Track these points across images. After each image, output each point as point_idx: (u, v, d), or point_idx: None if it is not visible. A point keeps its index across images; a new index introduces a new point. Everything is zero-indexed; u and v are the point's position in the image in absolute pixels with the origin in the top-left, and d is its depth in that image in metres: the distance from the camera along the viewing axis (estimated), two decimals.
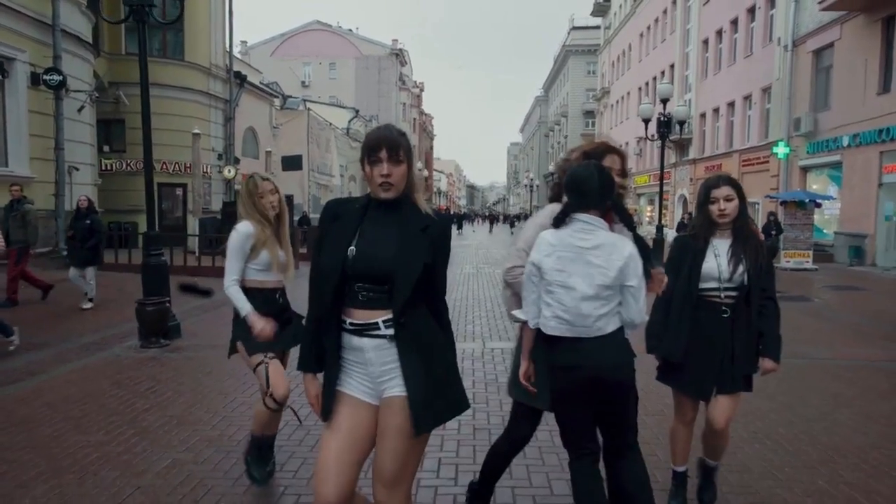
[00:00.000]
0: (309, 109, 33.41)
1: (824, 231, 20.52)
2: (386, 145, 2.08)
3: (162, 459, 3.83)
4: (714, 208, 2.99)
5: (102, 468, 3.69)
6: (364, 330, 2.11)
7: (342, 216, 2.17)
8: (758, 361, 2.99)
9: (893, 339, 7.13)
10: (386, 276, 2.06)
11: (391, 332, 2.09)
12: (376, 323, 2.09)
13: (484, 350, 6.94)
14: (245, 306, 3.32)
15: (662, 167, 17.11)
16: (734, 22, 27.01)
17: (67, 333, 7.71)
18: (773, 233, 16.56)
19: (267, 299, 3.42)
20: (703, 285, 2.98)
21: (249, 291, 3.38)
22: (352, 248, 2.09)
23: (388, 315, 2.09)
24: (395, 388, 2.11)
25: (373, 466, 2.16)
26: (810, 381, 5.71)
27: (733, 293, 2.96)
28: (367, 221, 2.14)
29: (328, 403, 2.16)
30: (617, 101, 46.80)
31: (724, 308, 2.96)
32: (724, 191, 2.97)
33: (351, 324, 2.13)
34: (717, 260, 2.98)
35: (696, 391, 3.03)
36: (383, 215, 2.14)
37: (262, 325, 3.26)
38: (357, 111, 47.24)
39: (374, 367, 2.13)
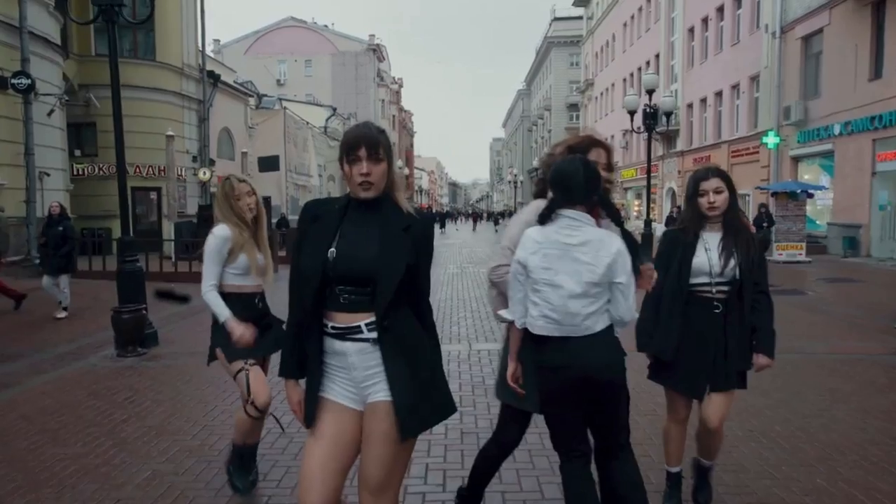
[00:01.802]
0: (285, 108, 33.18)
1: (817, 222, 20.38)
2: (365, 143, 2.04)
3: (142, 471, 3.77)
4: (703, 201, 2.94)
5: (81, 481, 3.64)
6: (346, 334, 2.07)
7: (321, 217, 2.13)
8: (752, 357, 2.95)
9: (890, 332, 7.13)
10: (368, 277, 2.02)
11: (374, 335, 2.05)
12: (359, 326, 2.05)
13: (470, 352, 6.88)
14: (224, 312, 3.28)
15: (649, 160, 17.13)
16: (720, 9, 26.91)
17: (42, 344, 7.59)
18: (765, 225, 16.44)
19: (246, 304, 3.37)
20: (693, 280, 2.94)
21: (228, 297, 3.33)
22: (332, 249, 2.05)
23: (371, 318, 2.05)
24: (380, 392, 2.07)
25: (358, 473, 2.12)
26: (806, 377, 5.69)
27: (725, 288, 2.92)
28: (347, 222, 2.11)
29: (311, 410, 2.12)
30: (601, 94, 46.72)
31: (715, 303, 2.93)
32: (714, 183, 2.93)
33: (333, 328, 2.08)
34: (708, 254, 2.93)
35: (688, 389, 2.99)
36: (364, 215, 2.10)
37: (241, 331, 3.22)
38: (335, 109, 47.00)
39: (357, 372, 2.08)
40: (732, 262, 2.90)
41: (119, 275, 7.49)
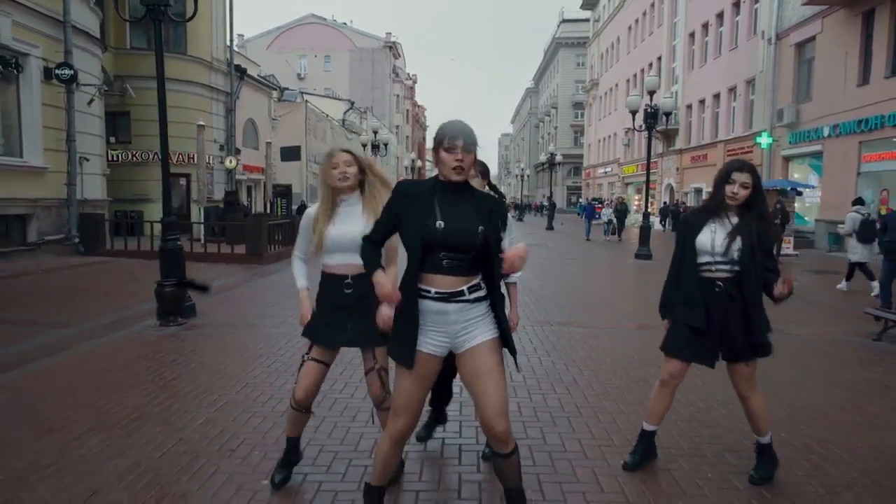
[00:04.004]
0: (307, 102, 33.88)
1: (805, 218, 21.26)
2: (463, 136, 2.43)
3: (197, 418, 4.26)
4: (729, 189, 3.14)
5: (145, 424, 4.13)
6: (450, 297, 2.46)
7: (417, 195, 2.50)
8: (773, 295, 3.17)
9: (862, 318, 7.68)
10: (471, 246, 2.42)
11: (475, 295, 2.49)
12: (462, 291, 2.46)
13: None
14: (298, 283, 3.31)
15: (649, 157, 17.69)
16: (720, 15, 27.69)
17: (87, 315, 8.02)
18: (779, 221, 16.71)
19: (331, 285, 3.12)
20: (699, 259, 3.20)
21: (323, 276, 3.20)
22: (440, 221, 2.40)
23: (470, 282, 2.48)
24: (481, 335, 2.50)
25: (482, 406, 2.51)
26: (785, 354, 6.22)
27: (725, 268, 3.15)
28: (440, 200, 2.46)
29: (411, 356, 2.49)
30: (606, 93, 47.47)
31: (717, 282, 3.16)
32: (744, 177, 3.13)
33: (437, 293, 2.46)
34: (713, 235, 3.16)
35: (693, 357, 3.27)
36: (454, 195, 2.48)
37: (302, 310, 3.26)
38: (352, 103, 47.72)
39: (455, 326, 2.48)
40: (736, 245, 3.09)
41: (161, 252, 8.12)
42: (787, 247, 17.60)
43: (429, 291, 2.46)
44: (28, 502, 3.09)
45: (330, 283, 3.11)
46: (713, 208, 3.25)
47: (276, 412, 4.36)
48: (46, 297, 9.40)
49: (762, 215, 3.20)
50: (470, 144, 2.44)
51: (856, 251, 10.76)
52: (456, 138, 2.42)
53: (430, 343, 2.51)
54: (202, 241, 15.14)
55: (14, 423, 4.19)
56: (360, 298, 3.02)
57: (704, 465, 3.60)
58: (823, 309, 9.33)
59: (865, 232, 10.62)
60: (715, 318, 3.17)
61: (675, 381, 3.39)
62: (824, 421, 4.33)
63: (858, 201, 11.39)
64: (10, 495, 3.17)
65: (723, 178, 3.18)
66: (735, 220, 3.17)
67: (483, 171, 3.48)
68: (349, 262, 3.01)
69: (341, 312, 3.08)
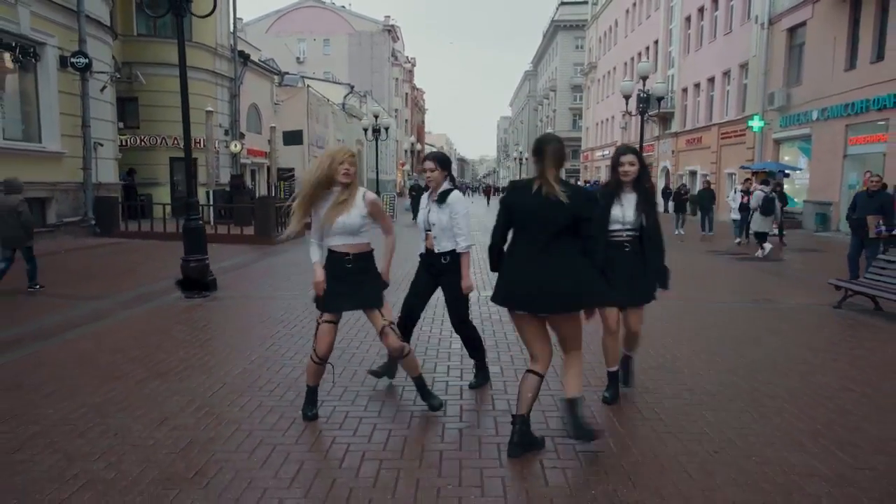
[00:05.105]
0: (308, 86, 34.35)
1: (795, 200, 21.81)
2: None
3: (235, 368, 4.98)
4: (621, 170, 4.06)
5: (193, 374, 4.84)
6: None
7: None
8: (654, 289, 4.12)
9: (826, 289, 8.31)
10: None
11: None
12: None
13: (479, 298, 7.91)
14: (313, 257, 3.95)
15: (641, 141, 18.31)
16: (715, 0, 28.15)
17: (112, 290, 8.64)
18: (780, 204, 17.31)
19: (332, 261, 3.84)
20: (610, 227, 4.05)
21: (329, 254, 3.88)
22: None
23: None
24: None
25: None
26: (756, 320, 7.04)
27: (631, 233, 4.05)
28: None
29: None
30: (603, 76, 47.92)
31: (626, 244, 4.05)
32: (630, 157, 4.05)
33: None
34: (623, 209, 4.05)
35: (614, 301, 3.99)
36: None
37: (314, 281, 3.87)
38: (352, 87, 48.07)
39: None
40: (637, 215, 4.02)
41: (185, 231, 8.81)
42: (775, 228, 18.11)
43: None
44: (113, 426, 3.81)
45: (333, 260, 3.83)
46: (615, 185, 4.08)
47: (302, 364, 4.99)
48: (74, 274, 10.13)
49: (648, 190, 4.07)
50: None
51: (757, 222, 13.53)
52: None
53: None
54: (212, 223, 15.78)
55: (81, 373, 4.91)
56: (359, 271, 3.82)
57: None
58: (799, 283, 10.11)
59: (766, 207, 13.39)
60: (621, 271, 3.95)
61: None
62: (776, 372, 5.03)
63: (764, 181, 12.86)
64: (98, 421, 3.89)
65: (614, 163, 4.08)
66: (632, 194, 4.03)
67: (442, 161, 4.28)
68: (349, 242, 3.80)
69: (343, 283, 3.81)
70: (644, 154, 19.01)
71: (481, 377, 4.64)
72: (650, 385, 4.63)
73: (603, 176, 46.74)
